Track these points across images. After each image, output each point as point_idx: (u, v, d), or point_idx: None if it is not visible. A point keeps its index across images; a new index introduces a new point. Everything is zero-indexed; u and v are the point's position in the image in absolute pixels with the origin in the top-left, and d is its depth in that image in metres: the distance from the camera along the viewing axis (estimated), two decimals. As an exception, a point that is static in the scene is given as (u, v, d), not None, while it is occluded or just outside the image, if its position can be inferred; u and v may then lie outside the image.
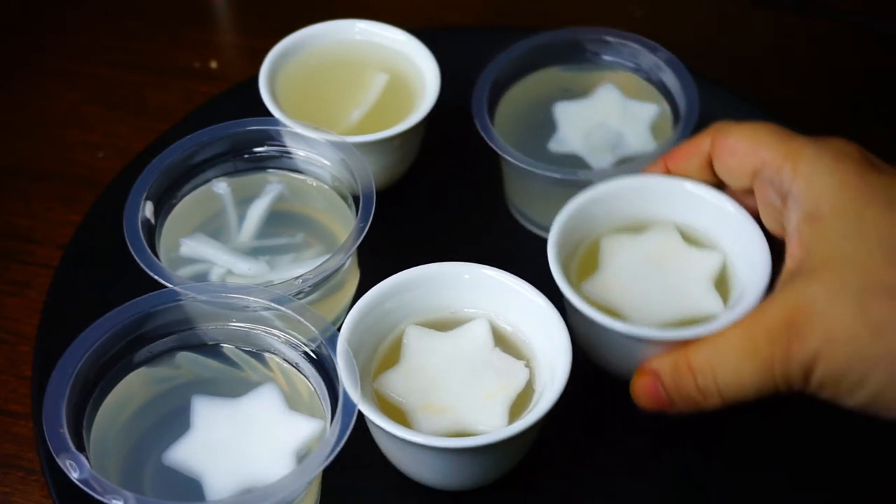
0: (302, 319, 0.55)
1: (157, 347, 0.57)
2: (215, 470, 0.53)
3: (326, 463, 0.50)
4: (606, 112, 0.71)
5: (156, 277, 0.57)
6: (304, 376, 0.56)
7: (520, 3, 0.89)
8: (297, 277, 0.58)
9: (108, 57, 0.86)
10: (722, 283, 0.61)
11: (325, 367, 0.54)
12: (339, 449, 0.50)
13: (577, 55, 0.74)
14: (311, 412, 0.55)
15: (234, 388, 0.56)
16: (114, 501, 0.48)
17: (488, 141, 0.67)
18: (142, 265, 0.58)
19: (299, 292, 0.59)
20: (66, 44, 0.87)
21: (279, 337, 0.57)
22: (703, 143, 0.61)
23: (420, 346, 0.58)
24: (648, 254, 0.62)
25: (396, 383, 0.57)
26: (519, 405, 0.56)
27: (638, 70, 0.73)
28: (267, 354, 0.57)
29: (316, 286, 0.60)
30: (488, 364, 0.58)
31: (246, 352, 0.57)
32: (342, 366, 0.53)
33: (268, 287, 0.57)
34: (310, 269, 0.58)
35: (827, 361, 0.50)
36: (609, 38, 0.73)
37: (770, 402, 0.62)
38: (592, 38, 0.73)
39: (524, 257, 0.71)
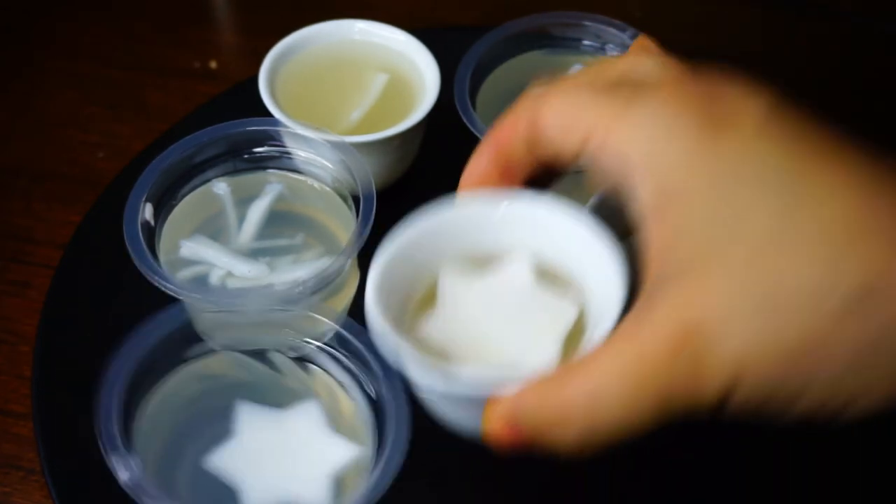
0: (360, 347, 0.53)
1: (207, 346, 0.56)
2: (252, 482, 0.52)
3: None
4: None
5: (156, 280, 0.57)
6: (351, 398, 0.55)
7: (520, 3, 0.89)
8: (298, 283, 0.57)
9: (108, 57, 0.86)
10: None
11: (374, 394, 0.53)
12: (383, 491, 0.48)
13: (543, 41, 0.74)
14: (352, 435, 0.54)
15: (279, 396, 0.55)
16: None
17: (476, 133, 0.67)
18: (142, 269, 0.58)
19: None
20: (66, 44, 0.87)
21: (331, 354, 0.56)
22: (520, 119, 0.48)
23: (458, 291, 0.52)
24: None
25: (436, 334, 0.51)
26: (569, 345, 0.50)
27: (605, 49, 0.73)
28: (316, 368, 0.56)
29: (316, 289, 0.60)
30: (533, 303, 0.51)
31: (295, 361, 0.57)
32: (377, 337, 0.48)
33: (329, 310, 0.56)
34: (310, 269, 0.58)
35: (746, 389, 0.40)
36: (573, 21, 0.74)
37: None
38: (557, 23, 0.74)
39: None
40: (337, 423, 0.54)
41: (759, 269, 0.39)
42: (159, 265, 0.59)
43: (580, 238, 0.49)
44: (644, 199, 0.42)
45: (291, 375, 0.57)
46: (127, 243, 0.59)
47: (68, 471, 0.59)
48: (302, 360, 0.57)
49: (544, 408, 0.42)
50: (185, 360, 0.55)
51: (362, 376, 0.54)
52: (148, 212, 0.61)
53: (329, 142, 0.64)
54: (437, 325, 0.51)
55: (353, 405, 0.55)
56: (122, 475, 0.48)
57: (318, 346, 0.56)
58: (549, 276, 0.52)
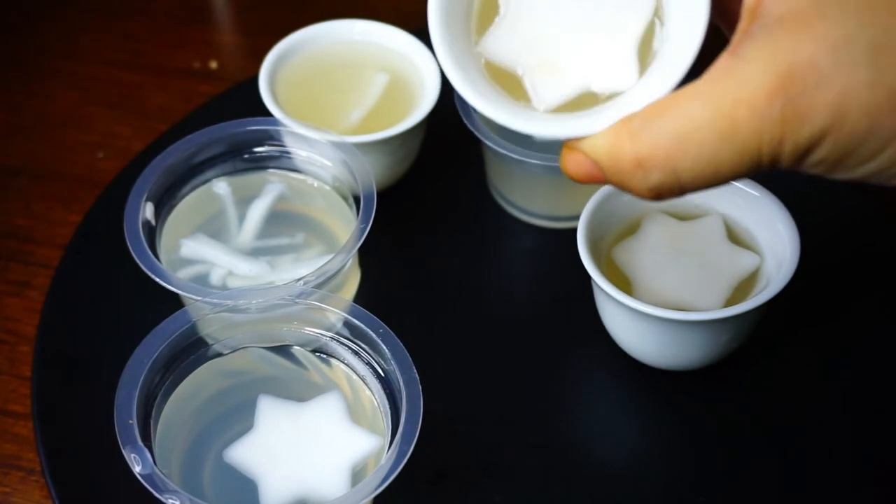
0: (376, 338, 0.54)
1: (231, 342, 0.56)
2: (272, 474, 0.52)
3: (379, 490, 0.49)
4: None
5: (157, 280, 0.57)
6: (370, 390, 0.55)
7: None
8: (299, 279, 0.57)
9: (108, 57, 0.86)
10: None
11: (390, 386, 0.54)
12: (393, 477, 0.49)
13: None
14: (372, 427, 0.54)
15: (301, 390, 0.56)
16: (170, 501, 0.48)
17: (476, 133, 0.67)
18: (143, 267, 0.58)
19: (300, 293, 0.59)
20: (66, 44, 0.87)
21: (350, 348, 0.56)
22: None
23: None
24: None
25: (503, 42, 0.46)
26: (645, 47, 0.45)
27: None
28: (336, 362, 0.57)
29: (317, 287, 0.60)
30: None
31: (317, 356, 0.57)
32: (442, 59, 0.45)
33: (336, 299, 0.56)
34: (311, 269, 0.58)
35: (835, 140, 0.39)
36: None
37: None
38: None
39: (528, 254, 0.71)
40: (357, 415, 0.55)
41: (869, 17, 0.39)
42: (160, 264, 0.59)
43: None
44: None
45: (314, 369, 0.57)
46: (128, 242, 0.59)
47: (68, 471, 0.59)
48: (323, 354, 0.57)
49: (627, 152, 0.41)
50: (209, 357, 0.56)
51: (376, 364, 0.55)
52: (149, 211, 0.61)
53: (330, 141, 0.64)
54: (502, 32, 0.47)
55: (373, 397, 0.55)
56: (136, 467, 0.48)
57: (331, 337, 0.56)
58: None
